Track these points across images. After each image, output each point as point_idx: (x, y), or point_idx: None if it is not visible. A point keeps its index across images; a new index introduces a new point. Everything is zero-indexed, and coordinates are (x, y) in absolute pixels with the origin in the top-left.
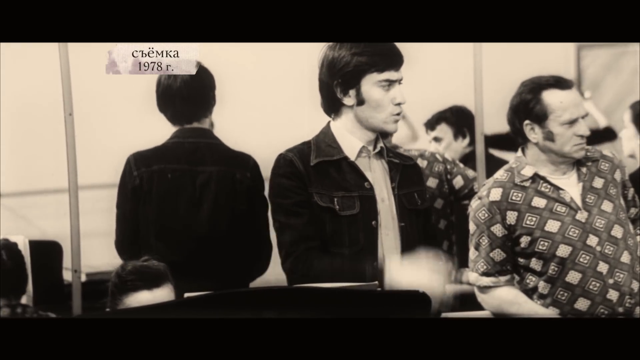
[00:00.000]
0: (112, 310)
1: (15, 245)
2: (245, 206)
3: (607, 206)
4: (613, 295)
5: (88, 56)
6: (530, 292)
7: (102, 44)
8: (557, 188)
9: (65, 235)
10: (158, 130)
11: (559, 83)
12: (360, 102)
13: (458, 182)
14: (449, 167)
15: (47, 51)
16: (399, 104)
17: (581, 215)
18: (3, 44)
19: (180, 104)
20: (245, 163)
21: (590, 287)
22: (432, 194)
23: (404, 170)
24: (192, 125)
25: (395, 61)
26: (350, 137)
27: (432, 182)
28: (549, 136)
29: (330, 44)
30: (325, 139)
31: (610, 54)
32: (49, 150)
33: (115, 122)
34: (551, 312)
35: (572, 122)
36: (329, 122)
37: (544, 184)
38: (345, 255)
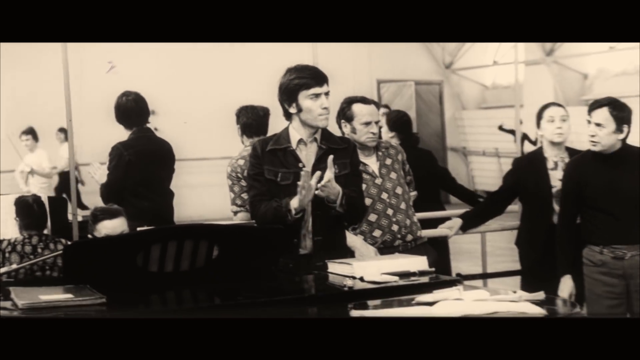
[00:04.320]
0: (91, 235)
1: (40, 198)
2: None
3: (393, 175)
4: (395, 227)
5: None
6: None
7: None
8: (365, 164)
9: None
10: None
11: (363, 100)
12: (300, 109)
13: None
14: None
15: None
16: (324, 108)
17: (378, 180)
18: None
19: (137, 114)
20: (169, 144)
21: (382, 223)
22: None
23: (328, 151)
24: (144, 126)
25: (318, 80)
26: (295, 133)
27: None
28: (354, 131)
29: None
30: (284, 133)
31: (397, 86)
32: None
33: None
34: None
35: (366, 124)
36: (288, 125)
37: None
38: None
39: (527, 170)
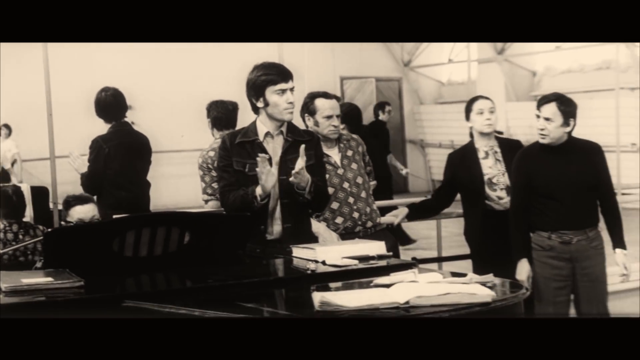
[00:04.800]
0: (64, 221)
1: (19, 188)
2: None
3: (354, 166)
4: (356, 215)
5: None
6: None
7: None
8: (327, 155)
9: (49, 183)
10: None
11: (325, 95)
12: (267, 104)
13: None
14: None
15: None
16: (290, 103)
17: (340, 171)
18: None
19: (115, 109)
20: (146, 137)
21: (343, 210)
22: None
23: (294, 144)
24: (122, 120)
25: (284, 77)
26: (262, 126)
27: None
28: (316, 124)
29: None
30: (251, 126)
31: (358, 83)
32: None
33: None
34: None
35: (328, 117)
36: (256, 118)
37: None
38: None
39: (461, 163)
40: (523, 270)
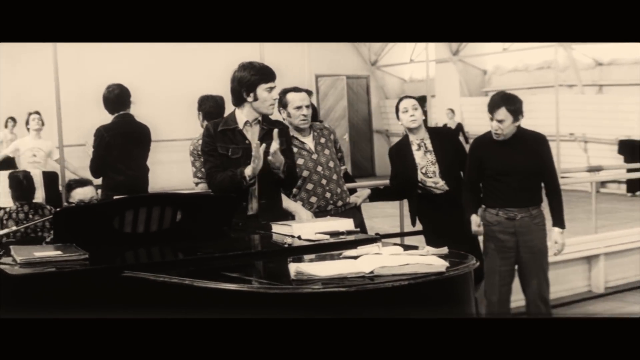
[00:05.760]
0: (67, 202)
1: (29, 173)
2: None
3: (327, 152)
4: (328, 195)
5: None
6: (288, 194)
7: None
8: (302, 142)
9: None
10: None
11: (295, 89)
12: (256, 99)
13: None
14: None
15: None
16: (275, 99)
17: (314, 156)
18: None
19: (118, 102)
20: (147, 127)
21: (317, 191)
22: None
23: (269, 131)
24: (124, 112)
25: (272, 77)
26: (241, 116)
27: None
28: (288, 115)
29: (238, 67)
30: (231, 116)
31: (331, 80)
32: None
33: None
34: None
35: (298, 108)
36: (235, 109)
37: (296, 141)
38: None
39: (398, 156)
40: (474, 221)
